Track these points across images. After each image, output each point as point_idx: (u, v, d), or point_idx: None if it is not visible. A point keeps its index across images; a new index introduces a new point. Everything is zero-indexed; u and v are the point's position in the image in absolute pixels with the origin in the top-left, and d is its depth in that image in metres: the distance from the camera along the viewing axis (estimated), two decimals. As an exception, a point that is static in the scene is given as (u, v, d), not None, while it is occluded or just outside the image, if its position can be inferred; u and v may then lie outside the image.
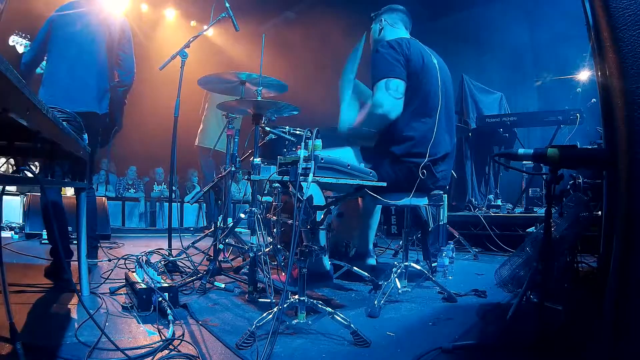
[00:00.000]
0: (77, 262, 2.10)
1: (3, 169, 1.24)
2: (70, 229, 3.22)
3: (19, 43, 2.64)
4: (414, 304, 2.14)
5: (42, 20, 2.59)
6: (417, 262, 2.64)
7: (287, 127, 2.65)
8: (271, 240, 2.50)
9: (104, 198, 4.59)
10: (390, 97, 2.12)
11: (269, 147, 2.72)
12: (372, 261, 2.67)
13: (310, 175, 1.48)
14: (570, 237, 1.96)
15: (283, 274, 2.32)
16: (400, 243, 3.11)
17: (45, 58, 2.56)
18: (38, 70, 2.67)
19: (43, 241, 3.73)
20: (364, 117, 2.26)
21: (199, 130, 5.29)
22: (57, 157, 1.52)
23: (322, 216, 1.88)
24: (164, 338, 1.49)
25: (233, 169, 2.92)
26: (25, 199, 4.40)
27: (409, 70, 2.17)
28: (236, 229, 2.90)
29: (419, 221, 3.05)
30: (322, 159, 1.53)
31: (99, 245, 3.01)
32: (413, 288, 2.38)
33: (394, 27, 2.45)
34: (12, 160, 1.18)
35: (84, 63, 2.54)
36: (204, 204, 6.36)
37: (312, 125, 1.62)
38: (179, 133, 3.11)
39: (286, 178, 1.60)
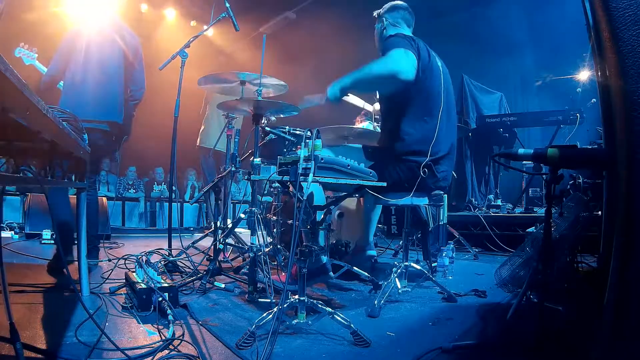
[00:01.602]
0: (77, 262, 2.10)
1: (3, 169, 1.24)
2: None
3: (26, 55, 2.71)
4: (414, 304, 2.14)
5: (48, 30, 2.71)
6: (417, 262, 2.64)
7: (287, 127, 2.65)
8: (271, 240, 2.50)
9: (104, 198, 4.59)
10: (408, 60, 2.04)
11: (269, 147, 2.72)
12: (372, 252, 2.67)
13: (310, 175, 1.48)
14: (570, 237, 1.96)
15: (283, 274, 2.32)
16: (400, 243, 3.11)
17: (66, 71, 2.67)
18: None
19: (43, 241, 3.73)
20: (370, 69, 2.09)
21: (200, 131, 5.30)
22: (57, 157, 1.52)
23: (322, 216, 1.88)
24: (164, 338, 1.49)
25: (233, 169, 2.92)
26: (25, 199, 4.40)
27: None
28: (236, 229, 2.90)
29: (419, 221, 3.05)
30: (322, 159, 1.53)
31: (100, 245, 3.01)
32: (413, 288, 2.38)
33: (396, 26, 2.44)
34: (12, 160, 1.18)
35: (104, 77, 2.70)
36: (204, 204, 6.36)
37: (312, 125, 1.62)
38: (179, 133, 3.11)
39: (286, 178, 1.60)
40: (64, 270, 2.30)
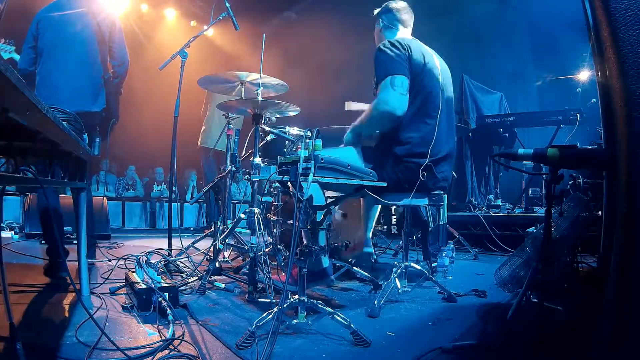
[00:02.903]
0: (76, 262, 2.10)
1: (3, 169, 1.24)
2: (69, 229, 3.23)
3: (3, 49, 2.65)
4: (414, 304, 2.14)
5: (25, 21, 2.61)
6: (417, 262, 2.64)
7: (287, 127, 2.65)
8: (271, 240, 2.50)
9: (104, 198, 4.59)
10: (396, 93, 2.10)
11: (269, 147, 2.72)
12: (369, 249, 2.68)
13: (310, 175, 1.48)
14: (570, 237, 1.96)
15: (283, 274, 2.32)
16: (400, 243, 3.11)
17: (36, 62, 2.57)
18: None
19: (43, 241, 3.73)
20: (368, 115, 2.22)
21: (201, 131, 5.30)
22: (57, 157, 1.52)
23: (322, 216, 1.88)
24: (164, 338, 1.49)
25: (233, 169, 2.92)
26: (25, 199, 4.40)
27: (410, 69, 2.17)
28: (236, 229, 2.90)
29: (419, 221, 3.05)
30: (322, 159, 1.53)
31: (96, 244, 3.01)
32: (413, 288, 2.38)
33: (391, 28, 2.43)
34: (12, 160, 1.18)
35: (75, 62, 2.55)
36: (204, 204, 6.36)
37: (312, 125, 1.62)
38: (179, 133, 3.11)
39: (286, 178, 1.60)
40: (62, 275, 2.31)
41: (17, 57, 2.71)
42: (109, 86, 2.73)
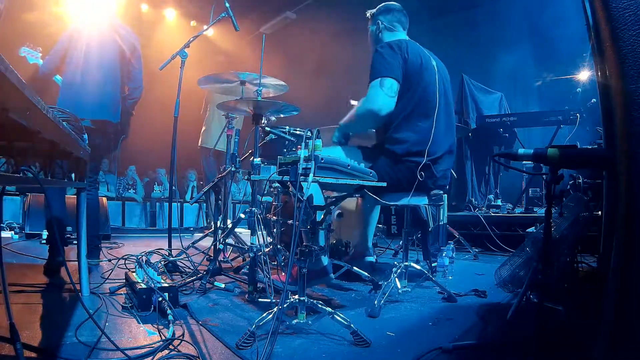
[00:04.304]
0: (77, 262, 2.10)
1: (3, 169, 1.24)
2: (70, 228, 3.24)
3: (30, 54, 2.74)
4: (414, 304, 2.14)
5: (50, 30, 2.84)
6: (417, 262, 2.64)
7: (287, 127, 2.65)
8: (271, 240, 2.50)
9: (104, 198, 4.59)
10: (384, 94, 2.13)
11: (269, 147, 2.72)
12: (371, 258, 2.67)
13: (311, 175, 1.48)
14: (570, 237, 1.96)
15: (283, 274, 2.32)
16: (400, 243, 3.11)
17: (63, 68, 2.71)
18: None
19: (43, 241, 3.73)
20: (354, 113, 2.25)
21: (201, 131, 5.30)
22: (57, 157, 1.52)
23: (322, 216, 1.88)
24: (164, 338, 1.49)
25: (233, 169, 2.92)
26: (25, 199, 4.40)
27: (406, 71, 2.18)
28: (236, 229, 2.90)
29: (419, 221, 3.05)
30: (322, 159, 1.53)
31: (100, 245, 3.01)
32: (413, 288, 2.38)
33: (392, 30, 2.43)
34: (12, 160, 1.18)
35: (101, 75, 2.73)
36: (204, 204, 6.36)
37: (312, 125, 1.61)
38: (180, 133, 3.11)
39: (286, 178, 1.60)
40: (61, 270, 2.32)
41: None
42: (123, 105, 2.90)
